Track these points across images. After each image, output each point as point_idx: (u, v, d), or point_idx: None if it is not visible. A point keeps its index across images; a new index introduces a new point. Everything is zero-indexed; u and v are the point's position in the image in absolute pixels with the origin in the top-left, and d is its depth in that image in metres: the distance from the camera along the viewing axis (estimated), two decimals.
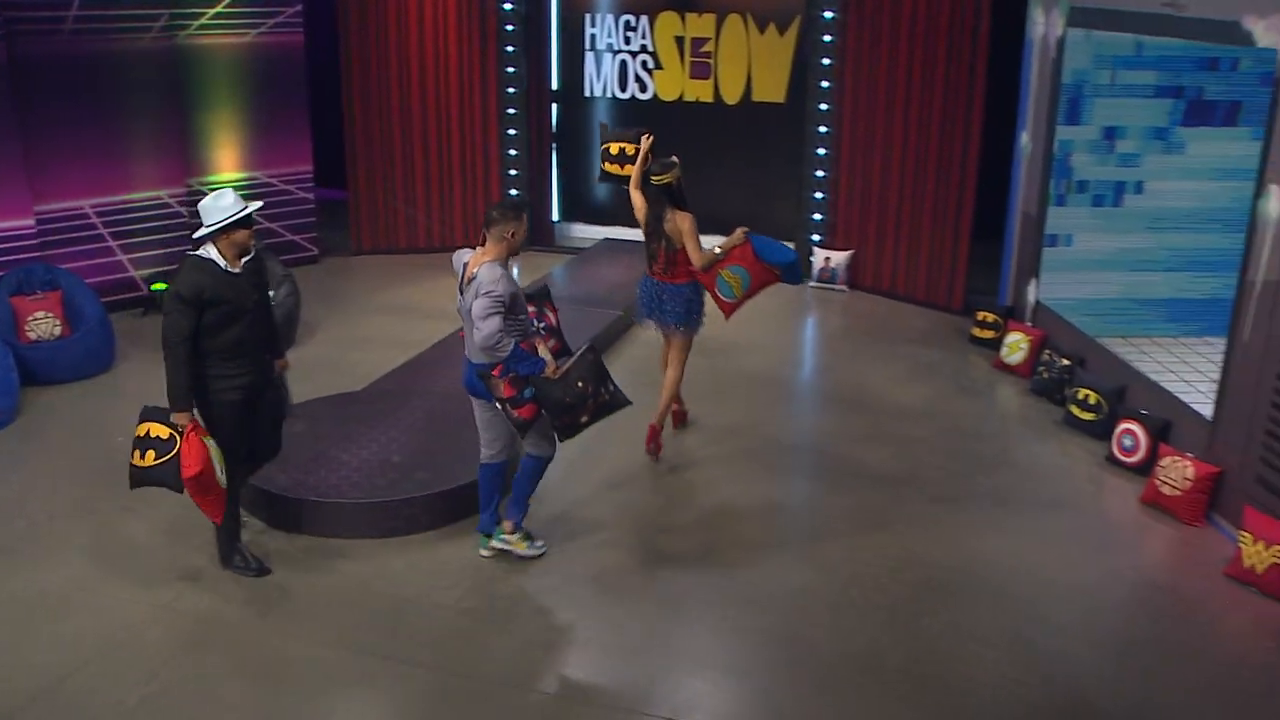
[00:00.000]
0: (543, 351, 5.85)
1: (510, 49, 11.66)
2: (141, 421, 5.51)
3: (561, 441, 5.84)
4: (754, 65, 11.65)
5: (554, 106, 12.25)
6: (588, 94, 12.21)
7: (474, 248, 5.78)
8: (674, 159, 7.31)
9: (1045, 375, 8.42)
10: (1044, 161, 8.86)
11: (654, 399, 7.34)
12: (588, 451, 7.14)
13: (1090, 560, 6.19)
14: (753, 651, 5.31)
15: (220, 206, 5.37)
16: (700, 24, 11.71)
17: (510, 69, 11.71)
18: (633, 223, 12.07)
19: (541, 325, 6.09)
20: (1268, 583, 5.81)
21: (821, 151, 11.05)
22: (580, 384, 5.62)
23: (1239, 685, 5.13)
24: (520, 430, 5.71)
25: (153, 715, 4.77)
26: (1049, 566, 6.10)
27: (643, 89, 12.03)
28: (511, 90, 11.76)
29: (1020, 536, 6.42)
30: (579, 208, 12.60)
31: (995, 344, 9.27)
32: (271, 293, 9.05)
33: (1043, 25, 8.89)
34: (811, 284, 11.16)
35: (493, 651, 5.26)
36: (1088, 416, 7.77)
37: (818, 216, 11.24)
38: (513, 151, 11.91)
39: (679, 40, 11.81)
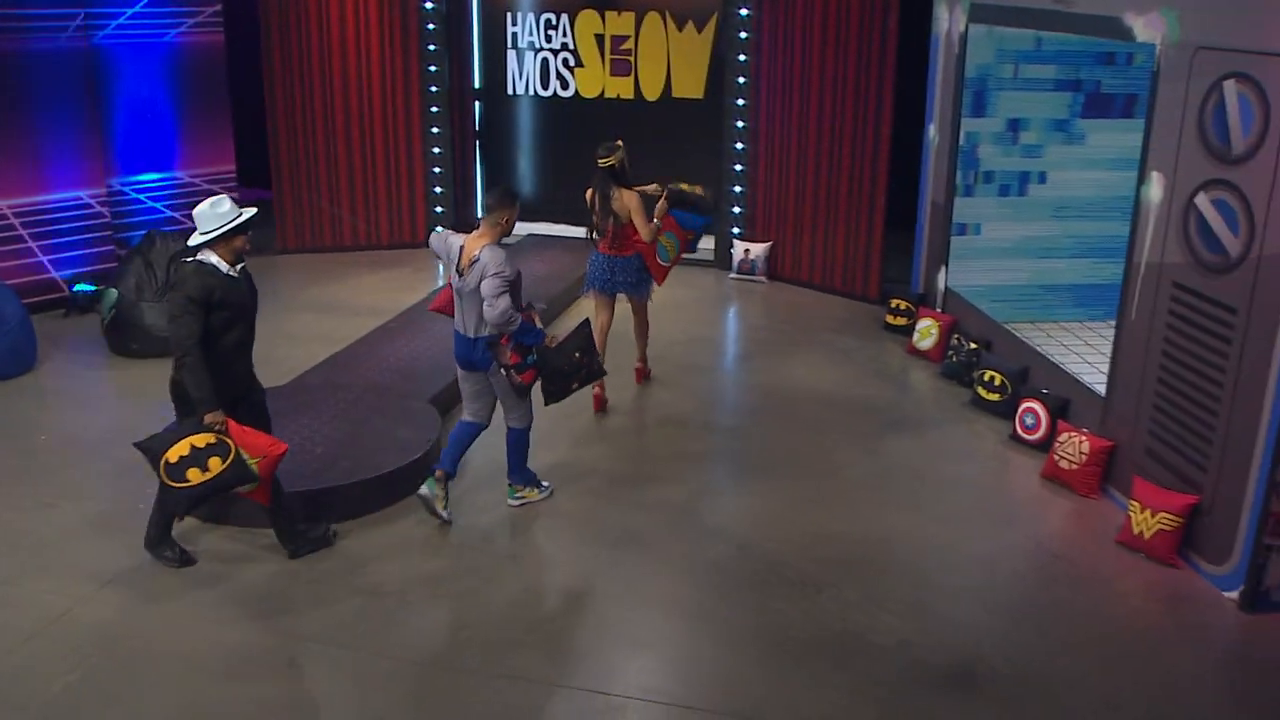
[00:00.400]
0: (538, 324, 6.28)
1: (432, 48, 11.76)
2: (166, 448, 5.53)
3: (546, 405, 6.47)
4: (673, 62, 11.87)
5: (477, 104, 12.36)
6: (510, 92, 12.35)
7: (454, 230, 6.44)
8: (618, 142, 7.96)
9: (954, 359, 8.73)
10: (950, 153, 9.17)
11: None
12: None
13: (991, 532, 6.48)
14: (667, 623, 5.52)
15: (219, 213, 5.56)
16: (620, 22, 11.90)
17: (432, 68, 11.81)
18: (557, 218, 12.41)
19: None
20: (1154, 547, 6.14)
21: (739, 146, 11.29)
22: (577, 354, 6.33)
23: (1123, 642, 5.44)
24: (518, 394, 6.29)
25: (76, 701, 4.86)
26: (952, 539, 6.39)
27: (564, 86, 12.20)
28: (434, 89, 11.87)
29: (926, 512, 6.69)
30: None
31: (908, 330, 9.58)
32: None
33: (946, 21, 9.21)
34: (732, 275, 11.41)
35: (412, 631, 5.41)
36: (993, 397, 8.08)
37: (737, 209, 11.48)
38: (436, 149, 12.02)
39: (599, 38, 11.99)
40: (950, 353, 8.80)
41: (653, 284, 8.14)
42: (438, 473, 6.33)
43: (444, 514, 6.33)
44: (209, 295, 5.47)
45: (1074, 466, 6.94)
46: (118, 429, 7.53)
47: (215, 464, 5.49)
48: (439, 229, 6.44)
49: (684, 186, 8.15)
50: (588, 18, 11.96)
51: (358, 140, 11.87)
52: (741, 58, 11.09)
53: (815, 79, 10.54)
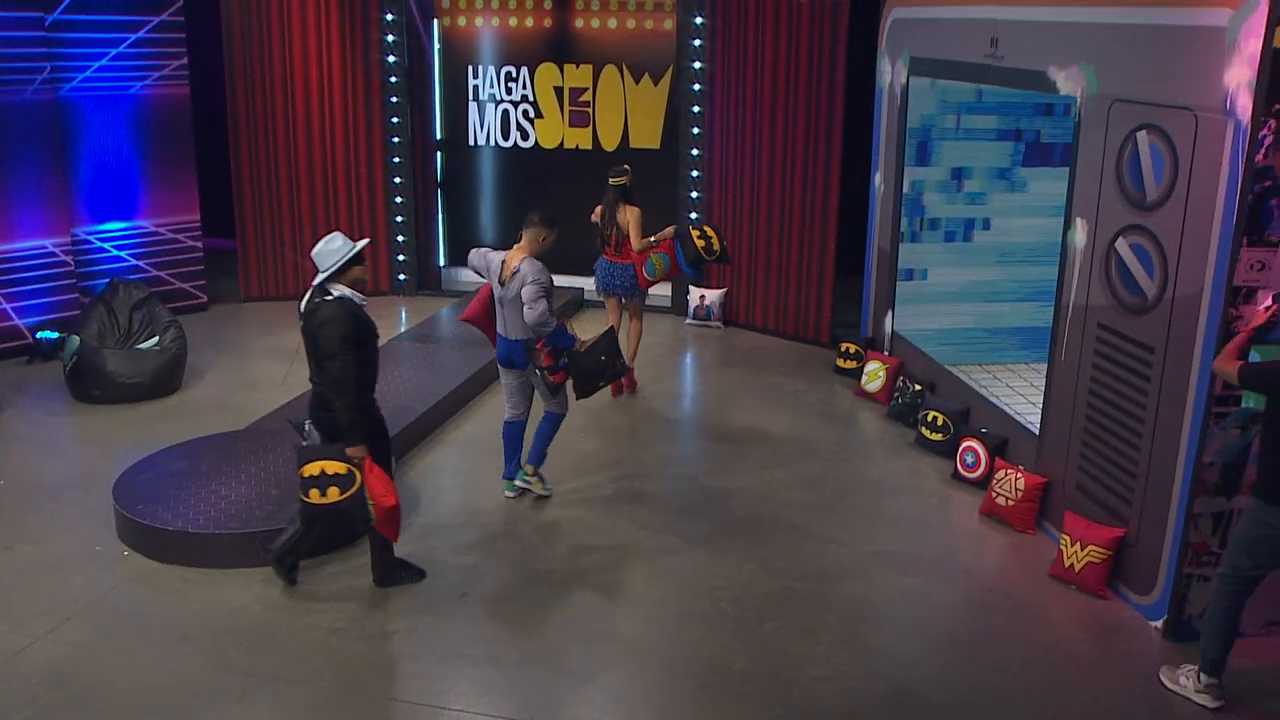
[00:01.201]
0: (571, 330, 7.13)
1: (394, 100, 12.02)
2: (306, 462, 5.83)
3: (579, 399, 7.24)
4: (630, 113, 12.17)
5: (438, 155, 12.62)
6: (471, 143, 12.61)
7: (495, 249, 7.28)
8: (626, 166, 9.37)
9: (900, 401, 8.97)
10: (895, 201, 9.47)
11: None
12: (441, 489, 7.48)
13: (929, 568, 6.68)
14: (608, 656, 5.68)
15: (334, 249, 5.85)
16: (578, 75, 12.21)
17: (395, 119, 12.06)
18: None
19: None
20: (1084, 579, 6.36)
21: (694, 194, 11.58)
22: (603, 358, 7.09)
23: (1052, 669, 5.63)
24: (552, 391, 7.16)
25: None
26: (892, 575, 6.58)
27: (524, 137, 12.47)
28: (396, 140, 12.11)
29: (867, 549, 6.89)
30: (466, 251, 12.85)
31: (857, 373, 9.82)
32: (156, 338, 9.33)
33: (889, 75, 9.54)
34: (688, 321, 11.65)
35: (363, 667, 5.55)
36: (936, 437, 8.31)
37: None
38: (399, 199, 12.25)
39: (558, 90, 12.28)
40: (896, 394, 9.05)
41: (647, 291, 9.33)
42: (528, 468, 7.37)
43: (548, 488, 7.44)
44: (360, 328, 5.81)
45: (1010, 503, 7.16)
46: (78, 474, 7.66)
47: (334, 493, 5.80)
48: (476, 248, 7.49)
49: (695, 233, 8.93)
50: (547, 71, 12.26)
51: (321, 190, 12.09)
52: (696, 109, 11.40)
53: (766, 130, 10.86)
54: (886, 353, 9.73)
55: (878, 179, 9.94)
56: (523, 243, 7.01)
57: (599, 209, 9.27)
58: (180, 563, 6.44)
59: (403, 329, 11.16)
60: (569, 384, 7.17)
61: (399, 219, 12.32)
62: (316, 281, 5.89)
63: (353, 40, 11.82)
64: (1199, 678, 5.41)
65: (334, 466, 5.78)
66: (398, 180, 12.23)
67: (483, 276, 7.27)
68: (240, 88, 11.66)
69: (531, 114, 12.41)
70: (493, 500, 7.44)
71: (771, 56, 10.69)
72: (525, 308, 6.75)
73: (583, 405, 7.91)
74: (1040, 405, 8.32)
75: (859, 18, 10.12)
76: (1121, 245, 6.28)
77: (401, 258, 12.44)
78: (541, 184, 12.49)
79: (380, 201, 12.25)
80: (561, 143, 12.41)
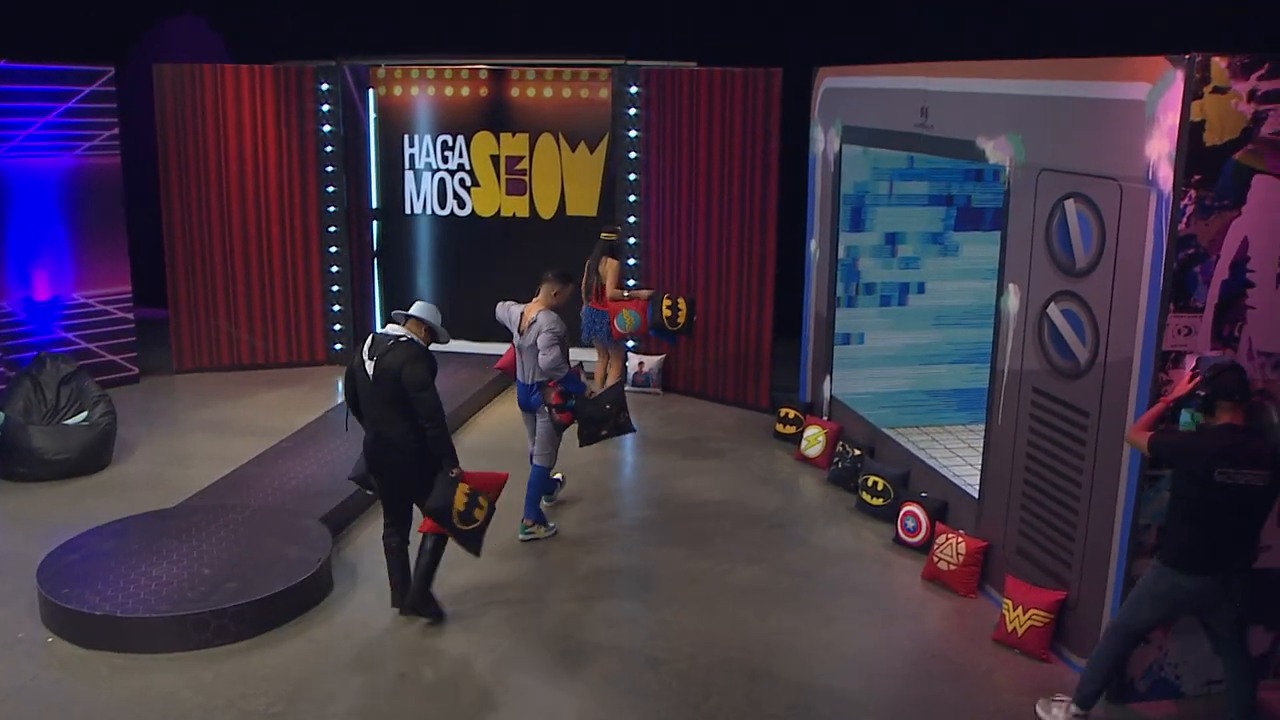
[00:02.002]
0: (583, 380, 7.90)
1: (330, 169, 11.98)
2: (450, 501, 6.26)
3: (581, 447, 7.96)
4: (567, 181, 12.23)
5: (375, 224, 12.57)
6: (408, 211, 12.59)
7: (519, 302, 7.98)
8: (618, 226, 10.93)
9: (840, 465, 9.00)
10: (831, 267, 9.57)
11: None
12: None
13: (873, 634, 6.66)
14: None
15: (431, 307, 6.53)
16: (515, 143, 12.26)
17: (330, 188, 12.01)
18: (456, 334, 12.49)
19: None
20: (1027, 643, 6.37)
21: (632, 261, 11.62)
22: (608, 406, 7.77)
23: None
24: (557, 429, 7.75)
25: None
26: (836, 642, 6.55)
27: (461, 205, 12.47)
28: (332, 209, 12.05)
29: (811, 616, 6.86)
30: None
31: (797, 438, 9.85)
32: (85, 413, 9.12)
33: (822, 142, 9.69)
34: (627, 388, 11.62)
35: None
36: (876, 502, 8.34)
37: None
38: (335, 268, 12.16)
39: (494, 159, 12.32)
40: (836, 459, 9.08)
41: (623, 341, 10.35)
42: (527, 522, 7.86)
43: (550, 527, 7.98)
44: (433, 366, 6.33)
45: (952, 567, 7.18)
46: (0, 556, 7.42)
47: (484, 502, 6.43)
48: (502, 302, 8.16)
49: (667, 301, 9.99)
50: (483, 139, 12.30)
51: (255, 259, 11.97)
52: (632, 177, 11.49)
53: (702, 196, 10.96)
54: (826, 417, 9.78)
55: (813, 245, 10.05)
56: (540, 297, 7.77)
57: (588, 260, 10.31)
58: (108, 648, 6.24)
59: (338, 401, 11.01)
60: (557, 439, 7.81)
61: (335, 288, 12.22)
62: (404, 313, 6.47)
63: (288, 110, 11.78)
64: (1069, 708, 5.63)
65: (465, 487, 6.34)
66: (334, 249, 12.14)
67: (506, 327, 8.01)
68: (173, 157, 11.55)
69: (468, 182, 12.42)
70: (444, 582, 7.30)
71: (706, 124, 10.81)
72: (540, 354, 7.51)
73: (523, 476, 7.86)
74: (979, 468, 8.47)
75: (792, 87, 10.28)
76: (1054, 311, 6.39)
77: (338, 327, 12.32)
78: (479, 252, 12.48)
79: (316, 271, 12.15)
80: (498, 211, 12.43)
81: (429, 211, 12.56)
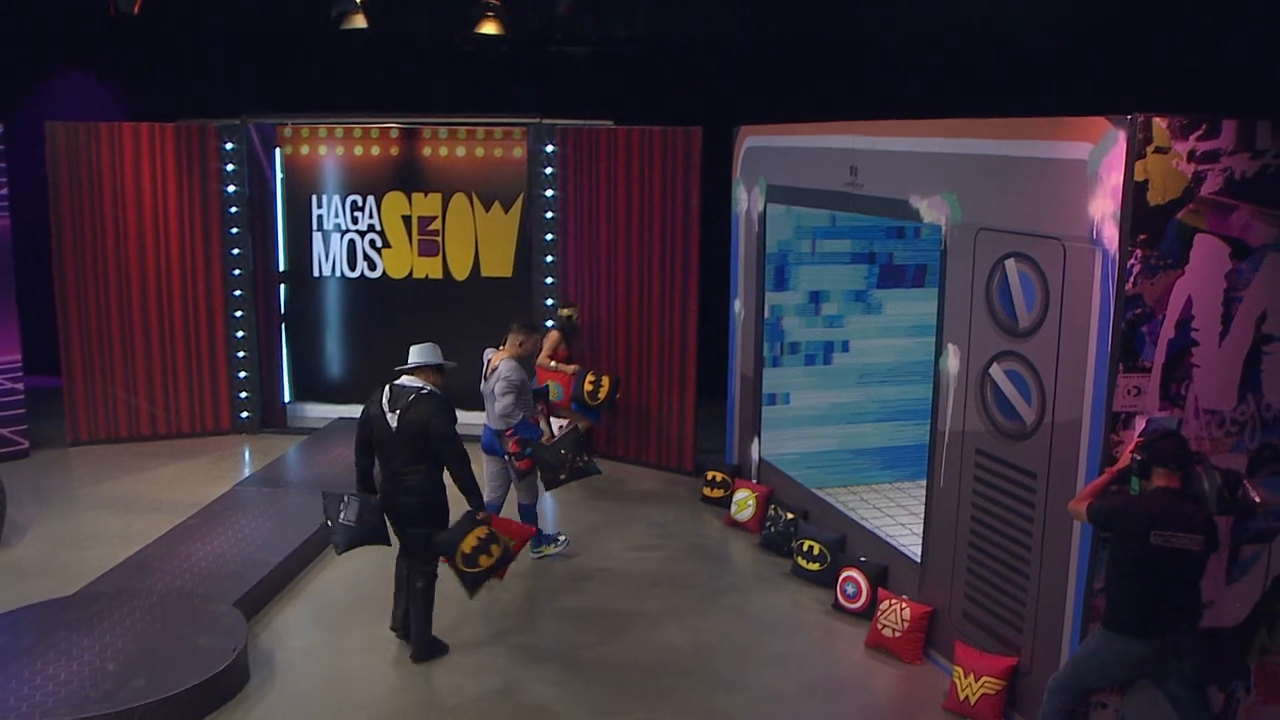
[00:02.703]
0: (543, 425, 8.21)
1: (235, 231, 11.54)
2: (460, 541, 6.67)
3: (546, 491, 8.32)
4: (481, 242, 11.96)
5: (281, 287, 12.13)
6: (316, 274, 12.18)
7: (496, 348, 8.27)
8: (574, 302, 10.84)
9: (772, 529, 8.81)
10: (757, 326, 9.45)
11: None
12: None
13: (820, 707, 6.44)
14: None
15: (429, 348, 6.87)
16: (427, 203, 11.96)
17: (235, 250, 11.56)
18: (367, 399, 12.10)
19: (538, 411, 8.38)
20: (980, 712, 6.21)
21: (549, 324, 11.36)
22: (563, 451, 8.00)
23: None
24: (518, 476, 8.13)
25: None
26: (781, 717, 6.30)
27: (372, 267, 12.11)
28: (237, 272, 11.60)
29: (754, 691, 6.61)
30: (311, 387, 12.40)
31: (725, 502, 9.64)
32: None
33: (745, 202, 9.60)
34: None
35: None
36: (813, 567, 8.15)
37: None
38: (240, 333, 11.68)
39: (406, 219, 12.00)
40: (768, 523, 8.89)
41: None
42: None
43: (561, 542, 8.65)
44: (454, 416, 6.72)
45: (896, 634, 7.01)
46: None
47: (495, 550, 6.77)
48: (490, 347, 8.39)
49: (590, 377, 10.21)
50: (394, 199, 11.99)
51: (156, 324, 11.43)
52: (549, 237, 11.28)
53: (622, 257, 10.79)
54: (755, 480, 9.60)
55: (737, 304, 9.93)
56: (506, 345, 8.14)
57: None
58: None
59: (247, 473, 10.51)
60: (538, 475, 8.11)
61: (240, 354, 11.73)
62: (408, 368, 6.80)
63: (190, 169, 11.34)
64: None
65: (480, 531, 6.74)
66: (239, 314, 11.67)
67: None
68: (67, 218, 11.00)
69: (379, 243, 12.07)
70: (355, 662, 6.90)
71: (625, 183, 10.67)
72: (495, 400, 7.94)
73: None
74: (913, 526, 8.38)
75: (712, 145, 10.19)
76: (996, 372, 6.31)
77: (244, 394, 11.81)
78: (391, 314, 12.11)
79: (220, 336, 11.65)
80: (411, 272, 12.09)
81: (338, 274, 12.17)
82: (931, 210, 6.88)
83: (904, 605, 7.03)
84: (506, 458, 8.06)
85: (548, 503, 9.82)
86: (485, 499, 7.67)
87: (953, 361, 6.74)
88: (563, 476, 8.06)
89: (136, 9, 9.90)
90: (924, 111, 7.29)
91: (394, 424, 6.64)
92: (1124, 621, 5.20)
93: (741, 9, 11.76)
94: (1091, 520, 5.31)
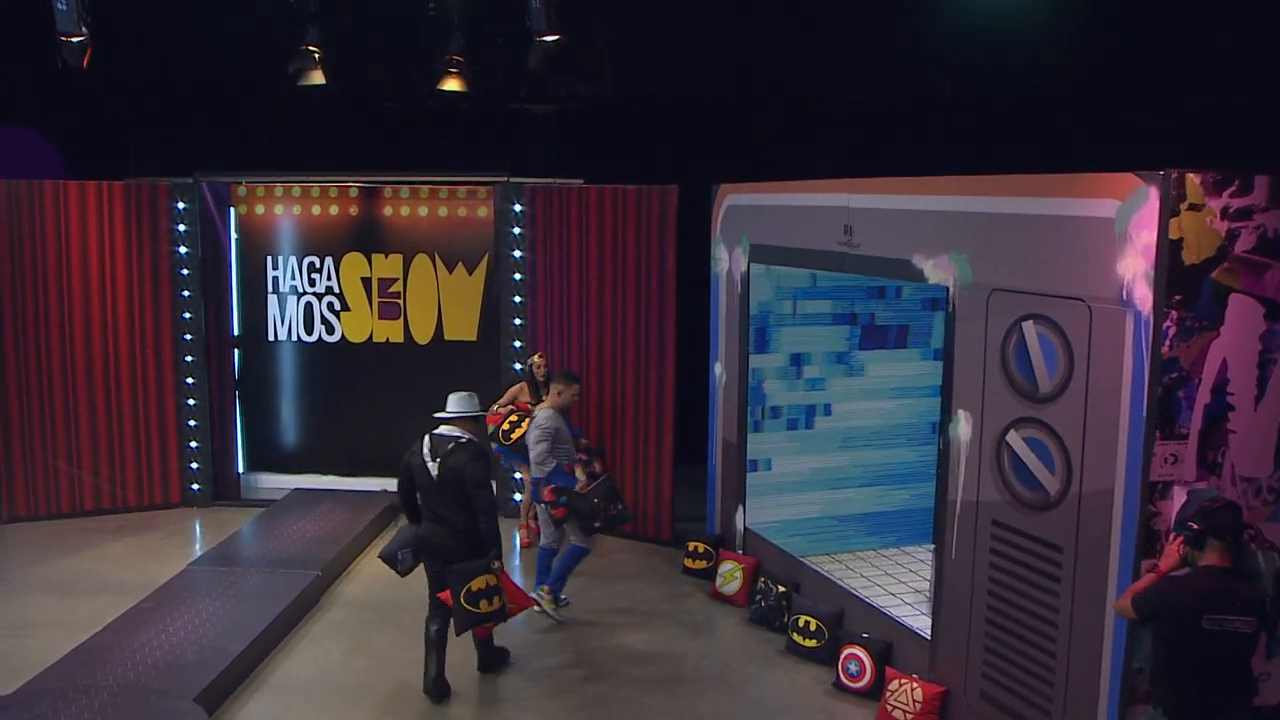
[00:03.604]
0: (579, 474, 8.37)
1: (186, 294, 11.02)
2: (471, 579, 6.85)
3: (586, 538, 8.37)
4: (444, 304, 11.56)
5: (236, 351, 11.59)
6: (271, 338, 11.67)
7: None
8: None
9: (763, 603, 8.41)
10: (740, 390, 9.12)
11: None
12: None
13: None
14: None
15: (467, 396, 7.30)
16: (387, 265, 11.55)
17: (187, 314, 11.03)
18: (326, 468, 11.64)
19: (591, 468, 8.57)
20: None
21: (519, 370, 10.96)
22: (596, 500, 8.18)
23: None
24: (555, 524, 8.37)
25: None
26: None
27: (330, 331, 11.64)
28: (189, 336, 11.06)
29: None
30: (267, 456, 11.84)
31: (709, 574, 9.23)
32: None
33: (726, 261, 9.31)
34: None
35: None
36: (810, 643, 7.76)
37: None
38: (191, 401, 11.11)
39: (366, 281, 11.58)
40: (758, 596, 8.48)
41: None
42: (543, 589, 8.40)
43: (563, 602, 8.51)
44: (490, 464, 7.20)
45: (909, 716, 6.62)
46: None
47: (495, 601, 6.92)
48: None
49: (513, 418, 9.69)
50: (353, 261, 11.56)
51: (101, 393, 10.83)
52: (517, 299, 10.89)
53: (594, 319, 10.43)
54: (740, 550, 9.21)
55: (718, 367, 9.60)
56: (548, 395, 8.50)
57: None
58: None
59: (198, 550, 9.91)
60: (571, 522, 8.24)
61: (191, 423, 11.15)
62: (447, 418, 7.17)
63: (140, 230, 10.83)
64: None
65: (488, 579, 6.90)
66: (190, 380, 11.11)
67: None
68: (6, 280, 10.42)
69: (338, 306, 11.62)
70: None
71: (597, 244, 10.33)
72: (531, 449, 8.21)
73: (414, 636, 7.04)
74: (909, 601, 8.05)
75: (689, 204, 9.91)
76: (1015, 439, 6.01)
77: (195, 465, 11.21)
78: (350, 379, 11.65)
79: (171, 404, 11.07)
80: (371, 336, 11.63)
81: (295, 338, 11.67)
82: (937, 270, 6.61)
83: (915, 685, 6.66)
84: (542, 505, 8.33)
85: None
86: (541, 544, 8.58)
87: (964, 428, 6.43)
88: (597, 525, 8.27)
89: (85, 62, 9.42)
90: (915, 169, 7.07)
91: (435, 472, 6.98)
92: (1179, 709, 4.84)
93: (710, 68, 11.53)
94: (1139, 612, 4.89)
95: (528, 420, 9.36)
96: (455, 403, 7.23)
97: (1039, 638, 5.88)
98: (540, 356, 10.06)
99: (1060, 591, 5.73)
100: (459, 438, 7.04)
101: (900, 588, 8.70)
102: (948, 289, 6.53)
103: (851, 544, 9.68)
